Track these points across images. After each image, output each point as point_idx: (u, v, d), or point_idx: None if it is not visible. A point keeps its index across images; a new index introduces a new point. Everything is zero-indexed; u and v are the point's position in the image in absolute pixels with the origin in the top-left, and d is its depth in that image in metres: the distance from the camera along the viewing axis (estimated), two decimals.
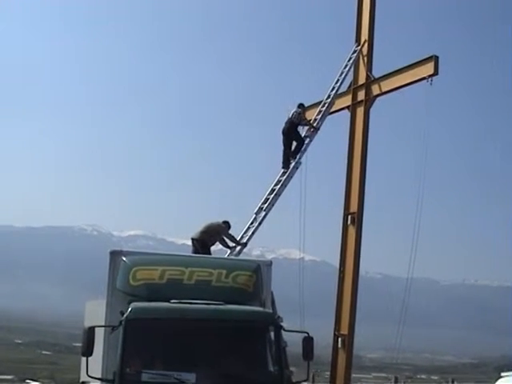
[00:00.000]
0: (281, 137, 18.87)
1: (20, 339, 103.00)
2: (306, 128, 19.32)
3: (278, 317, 11.97)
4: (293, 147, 18.80)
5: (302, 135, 19.17)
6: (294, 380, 11.83)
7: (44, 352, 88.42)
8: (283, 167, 18.59)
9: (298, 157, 18.53)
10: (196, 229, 16.20)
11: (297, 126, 19.08)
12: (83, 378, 12.46)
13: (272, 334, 10.56)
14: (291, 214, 19.13)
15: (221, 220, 16.66)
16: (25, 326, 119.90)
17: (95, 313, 12.59)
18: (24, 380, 61.29)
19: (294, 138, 18.88)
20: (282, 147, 18.68)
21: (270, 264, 12.59)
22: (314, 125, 19.30)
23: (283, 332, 11.11)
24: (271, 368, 10.47)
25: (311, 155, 19.02)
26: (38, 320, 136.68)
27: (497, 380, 12.88)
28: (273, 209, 17.53)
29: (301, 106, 19.35)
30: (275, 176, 18.28)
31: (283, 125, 18.98)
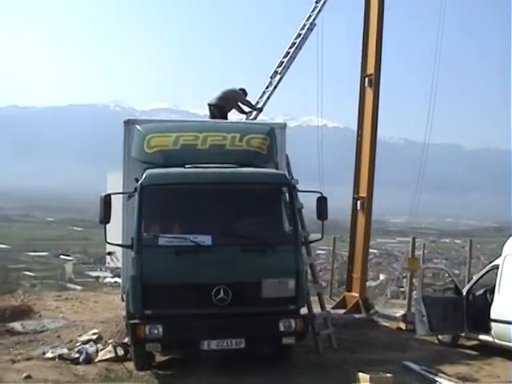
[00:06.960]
0: None
1: (51, 217, 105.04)
2: None
3: (292, 178, 12.01)
4: None
5: None
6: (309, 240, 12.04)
7: (75, 228, 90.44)
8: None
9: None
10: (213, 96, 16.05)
11: None
12: (108, 248, 12.81)
13: (287, 195, 10.62)
14: (312, 80, 18.79)
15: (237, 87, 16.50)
16: (54, 204, 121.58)
17: (115, 183, 12.74)
18: (58, 256, 63.44)
19: None
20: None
21: (283, 127, 12.51)
22: None
23: (300, 196, 11.19)
24: (286, 228, 10.59)
25: (327, 16, 18.49)
26: (66, 197, 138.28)
27: (509, 237, 13.21)
28: (288, 73, 17.20)
29: None
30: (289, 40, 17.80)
31: None
